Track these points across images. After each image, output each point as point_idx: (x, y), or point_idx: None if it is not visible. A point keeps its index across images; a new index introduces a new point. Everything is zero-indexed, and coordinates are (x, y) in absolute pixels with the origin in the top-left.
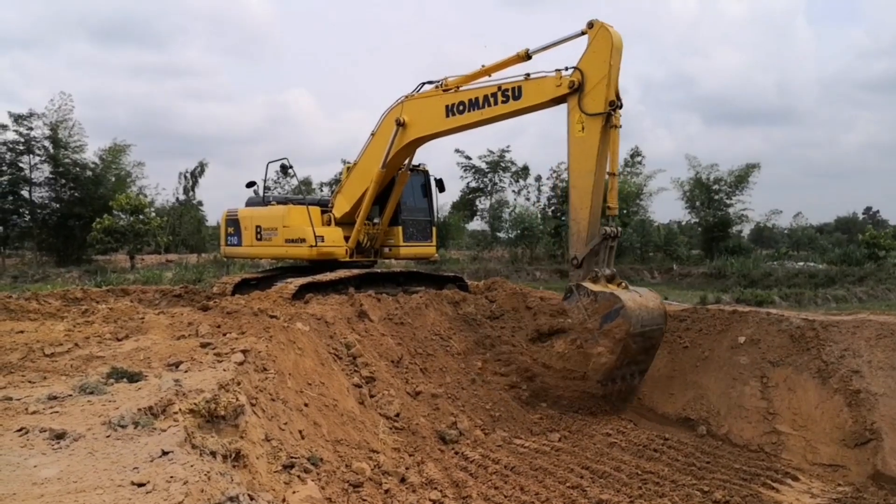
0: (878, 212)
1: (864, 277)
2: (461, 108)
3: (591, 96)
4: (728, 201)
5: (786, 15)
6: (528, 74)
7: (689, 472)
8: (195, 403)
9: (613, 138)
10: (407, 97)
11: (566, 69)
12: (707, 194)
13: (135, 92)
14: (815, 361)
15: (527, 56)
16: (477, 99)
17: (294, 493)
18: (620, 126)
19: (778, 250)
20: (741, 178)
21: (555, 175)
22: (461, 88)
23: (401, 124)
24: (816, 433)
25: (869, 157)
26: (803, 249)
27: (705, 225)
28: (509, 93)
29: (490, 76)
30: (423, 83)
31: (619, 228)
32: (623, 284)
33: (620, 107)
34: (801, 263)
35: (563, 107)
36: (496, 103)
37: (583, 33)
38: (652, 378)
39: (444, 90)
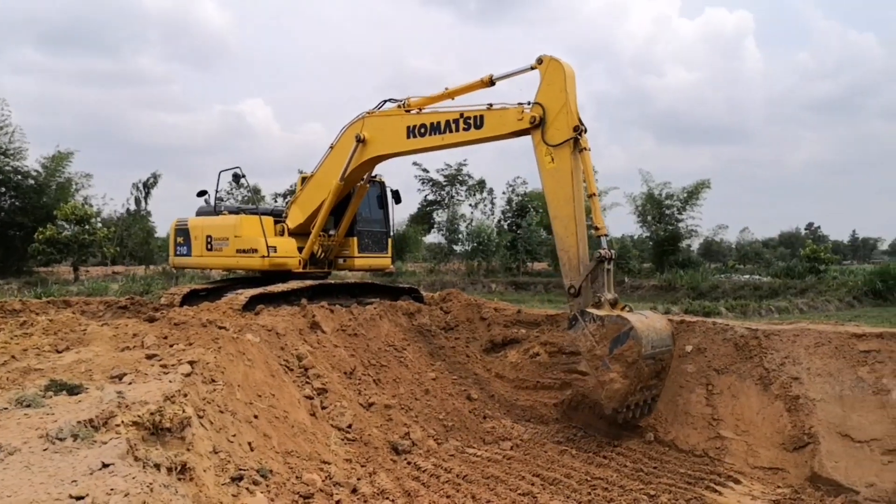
0: (818, 227)
1: (806, 290)
2: (423, 130)
3: (554, 127)
4: (679, 216)
5: (736, 36)
6: (490, 104)
7: (637, 477)
8: (139, 415)
9: (585, 160)
10: (368, 113)
11: (528, 103)
12: (659, 209)
13: (85, 99)
14: (758, 369)
15: (490, 82)
16: (439, 123)
17: None
18: (589, 149)
19: (725, 263)
20: (692, 195)
21: (510, 189)
22: (424, 110)
23: (361, 140)
24: (758, 438)
25: (812, 175)
26: (749, 263)
27: (656, 239)
28: (471, 121)
29: (452, 99)
30: (385, 101)
31: (613, 251)
32: (627, 308)
33: (585, 131)
34: (747, 276)
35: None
36: (458, 130)
37: (532, 68)
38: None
39: (406, 110)
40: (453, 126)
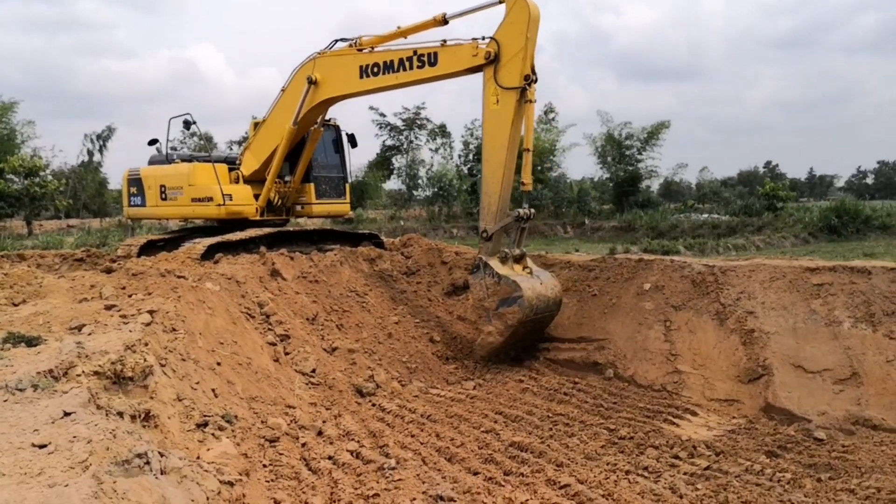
0: (777, 165)
1: (763, 227)
2: (375, 69)
3: (506, 69)
4: (639, 157)
5: None
6: (444, 41)
7: (597, 412)
8: (100, 365)
9: (528, 113)
10: (320, 54)
11: (483, 38)
12: (619, 150)
13: (27, 47)
14: (714, 304)
15: (444, 21)
16: (392, 62)
17: (208, 450)
18: (535, 101)
19: (685, 203)
20: (652, 135)
21: (469, 132)
22: (376, 49)
23: (312, 82)
24: (714, 371)
25: (771, 114)
26: (708, 202)
27: (616, 180)
28: (425, 58)
29: (405, 38)
30: (337, 40)
31: (532, 210)
32: (528, 269)
33: (535, 81)
34: (706, 216)
35: (477, 75)
36: (411, 68)
37: (500, 1)
38: (562, 325)
39: (358, 49)
40: (407, 64)
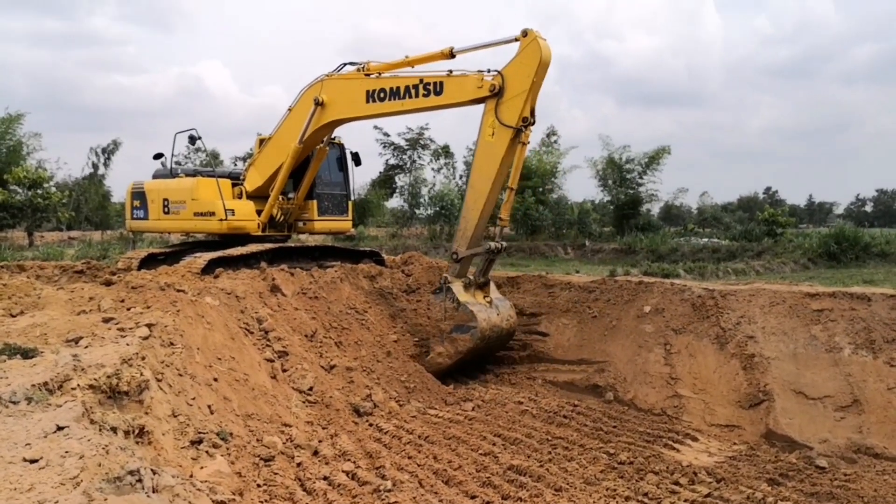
0: (776, 192)
1: (762, 252)
2: (382, 95)
3: (507, 106)
4: (639, 181)
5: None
6: (450, 71)
7: (597, 436)
8: (95, 379)
9: (519, 153)
10: (327, 76)
11: (489, 71)
12: (619, 174)
13: (37, 61)
14: (714, 328)
15: (451, 55)
16: (398, 88)
17: (202, 468)
18: (528, 143)
19: (685, 227)
20: (653, 160)
21: (471, 152)
22: (383, 75)
23: (319, 104)
24: (714, 396)
25: (770, 140)
26: (708, 227)
27: (617, 203)
28: (431, 87)
29: (412, 68)
30: (345, 64)
31: (504, 244)
32: (489, 298)
33: (533, 124)
34: (706, 240)
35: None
36: (417, 96)
37: (515, 39)
38: (562, 347)
39: (365, 74)
40: (413, 91)
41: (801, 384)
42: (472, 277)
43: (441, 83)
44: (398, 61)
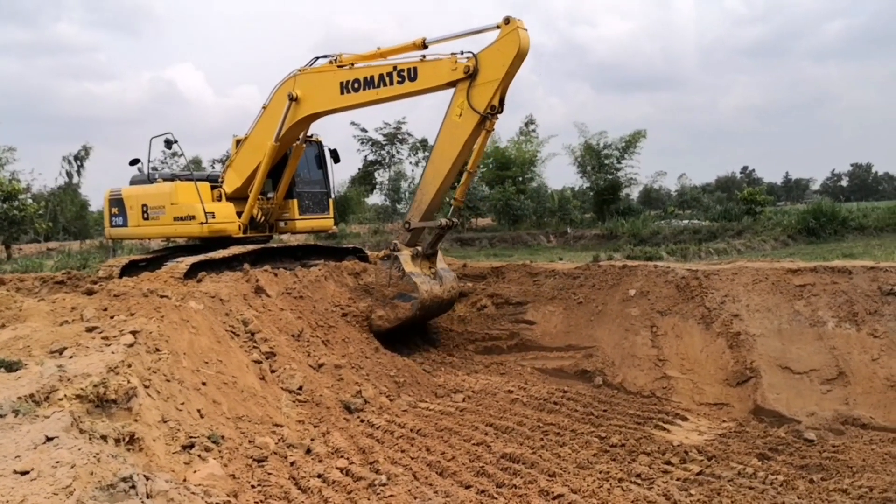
0: (753, 171)
1: (742, 231)
2: (356, 85)
3: (477, 90)
4: (618, 165)
5: None
6: (423, 56)
7: (588, 420)
8: (82, 388)
9: (482, 140)
10: (300, 71)
11: (462, 53)
12: (597, 160)
13: (4, 72)
14: (699, 308)
15: (423, 45)
16: (372, 77)
17: (195, 472)
18: (492, 131)
19: (665, 210)
20: (629, 144)
21: None
22: (356, 66)
23: (293, 99)
24: (702, 375)
25: (745, 120)
26: (688, 208)
27: (597, 189)
28: (405, 73)
29: (385, 59)
30: (317, 58)
31: (456, 220)
32: (434, 270)
33: (500, 112)
34: (686, 221)
35: None
36: (391, 83)
37: (497, 27)
38: (549, 334)
39: (338, 66)
40: (387, 79)
41: (786, 359)
42: (419, 248)
43: (415, 68)
44: (370, 52)
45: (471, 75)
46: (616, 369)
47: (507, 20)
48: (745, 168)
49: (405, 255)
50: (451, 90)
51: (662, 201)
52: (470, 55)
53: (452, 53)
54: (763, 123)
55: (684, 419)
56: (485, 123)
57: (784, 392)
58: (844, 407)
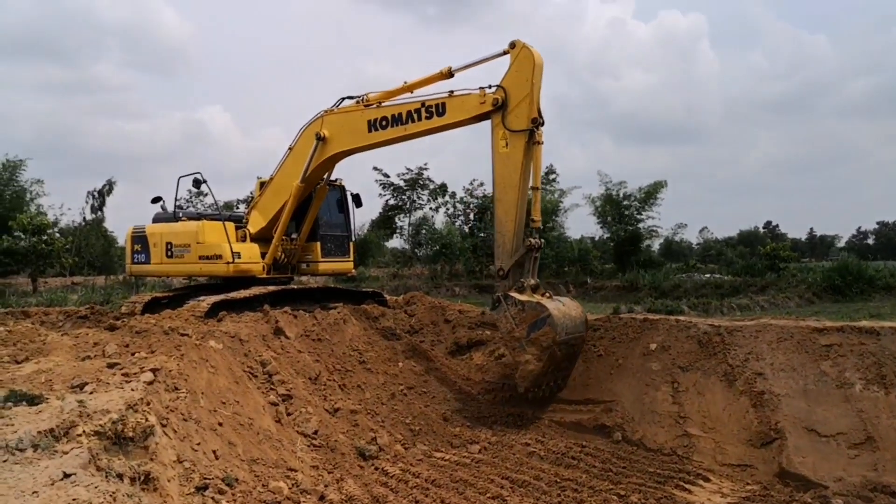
0: (777, 226)
1: (766, 287)
2: (384, 123)
3: (514, 114)
4: (638, 216)
5: (690, 38)
6: (451, 91)
7: (606, 477)
8: (101, 425)
9: (536, 154)
10: (327, 112)
11: (489, 87)
12: (618, 210)
13: (41, 108)
14: (722, 365)
15: (449, 74)
16: (400, 114)
17: None
18: (542, 142)
19: (686, 263)
20: (649, 195)
21: (468, 192)
22: (383, 104)
23: (321, 139)
24: (725, 434)
25: (769, 174)
26: (711, 262)
27: (617, 240)
28: (433, 109)
29: (412, 93)
30: (343, 98)
31: (542, 240)
32: (547, 294)
33: (542, 124)
34: (708, 275)
35: (484, 124)
36: (419, 119)
37: (504, 53)
38: (568, 387)
39: (365, 105)
40: (415, 115)
41: (812, 421)
42: (522, 281)
43: (443, 104)
44: (397, 88)
45: (500, 106)
46: (636, 425)
47: (513, 44)
48: (768, 223)
49: (513, 293)
50: (477, 124)
51: (684, 254)
52: (496, 87)
53: (480, 88)
54: (787, 178)
55: (706, 480)
56: (533, 137)
57: (810, 455)
58: (873, 473)
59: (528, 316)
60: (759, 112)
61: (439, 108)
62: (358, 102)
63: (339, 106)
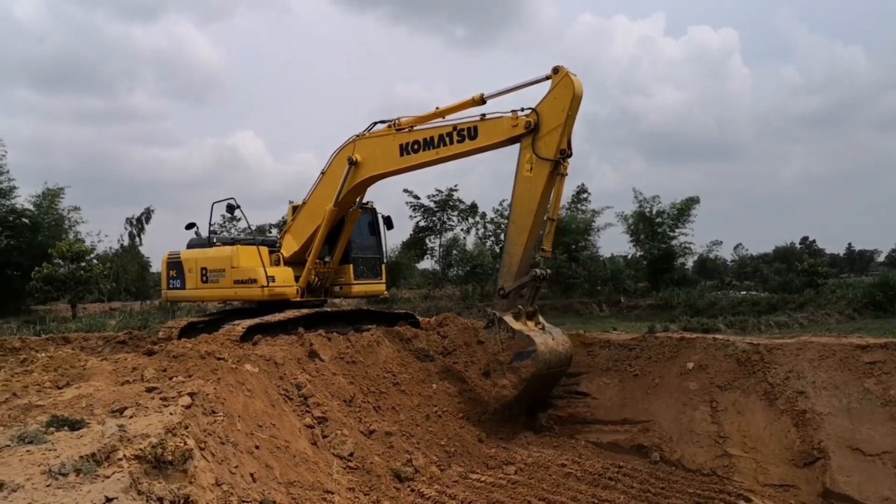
0: (814, 241)
1: (805, 304)
2: (416, 147)
3: (544, 141)
4: (671, 234)
5: (721, 54)
6: (483, 115)
7: (645, 498)
8: (141, 449)
9: (559, 185)
10: (359, 136)
11: (522, 110)
12: (650, 227)
13: (78, 137)
14: (762, 384)
15: (482, 101)
16: (432, 138)
17: None
18: (567, 174)
19: (721, 280)
20: (682, 211)
21: (498, 213)
22: (415, 128)
23: (353, 163)
24: (766, 454)
25: (804, 189)
26: (746, 279)
27: (650, 258)
28: (465, 133)
29: (444, 119)
30: (375, 122)
31: (548, 271)
32: (541, 325)
33: (570, 156)
34: (744, 293)
35: (516, 146)
36: (451, 143)
37: (546, 78)
38: (604, 407)
39: (396, 129)
40: (447, 139)
41: (857, 440)
42: (520, 307)
43: (475, 127)
44: (429, 113)
45: (532, 130)
46: (674, 445)
47: (556, 69)
48: (804, 238)
49: (508, 316)
50: (510, 146)
51: (718, 271)
52: (529, 111)
53: (513, 111)
54: (823, 193)
55: (748, 500)
56: (558, 168)
57: (855, 475)
58: None
59: (516, 345)
60: (793, 127)
61: (471, 132)
62: (389, 127)
63: (371, 130)
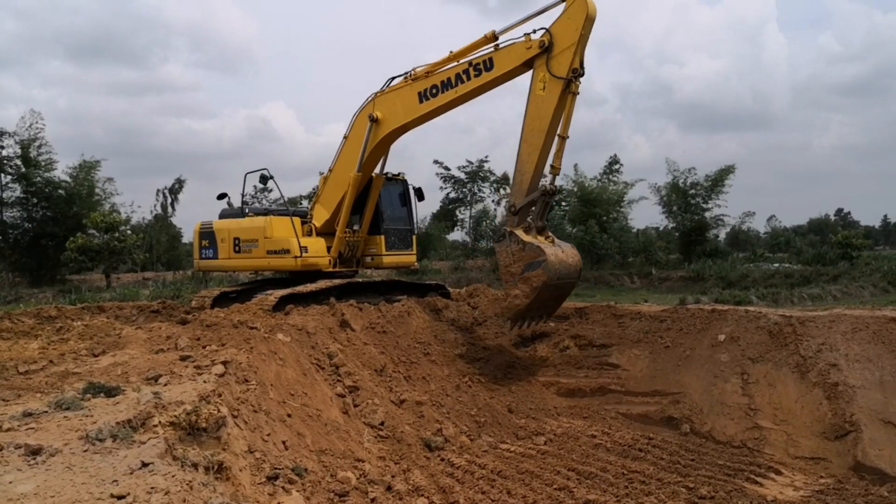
0: (849, 213)
1: (838, 276)
2: (434, 91)
3: (557, 59)
4: (704, 205)
5: (757, 22)
6: (496, 45)
7: (675, 469)
8: (175, 416)
9: (570, 104)
10: (377, 94)
11: (534, 31)
12: (684, 199)
13: (112, 109)
14: (794, 356)
15: (494, 37)
16: (449, 79)
17: (279, 503)
18: (578, 93)
19: (754, 252)
20: (717, 182)
21: None
22: (431, 74)
23: (374, 120)
24: (797, 427)
25: (840, 160)
26: (779, 251)
27: (682, 230)
28: (481, 66)
29: (458, 62)
30: (392, 78)
31: (558, 186)
32: (550, 238)
33: (582, 75)
34: (777, 265)
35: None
36: (469, 79)
37: (561, 0)
38: (634, 378)
39: (413, 79)
40: (464, 76)
41: (889, 413)
42: (530, 221)
43: (490, 59)
44: (443, 58)
45: (546, 49)
46: (704, 417)
47: None
48: (839, 210)
49: (519, 230)
50: (527, 72)
51: (751, 243)
52: (543, 30)
53: (525, 34)
54: (860, 164)
55: (778, 473)
56: (570, 87)
57: (887, 448)
58: None
59: (527, 255)
60: (830, 96)
61: (487, 64)
62: (406, 78)
63: (389, 86)
